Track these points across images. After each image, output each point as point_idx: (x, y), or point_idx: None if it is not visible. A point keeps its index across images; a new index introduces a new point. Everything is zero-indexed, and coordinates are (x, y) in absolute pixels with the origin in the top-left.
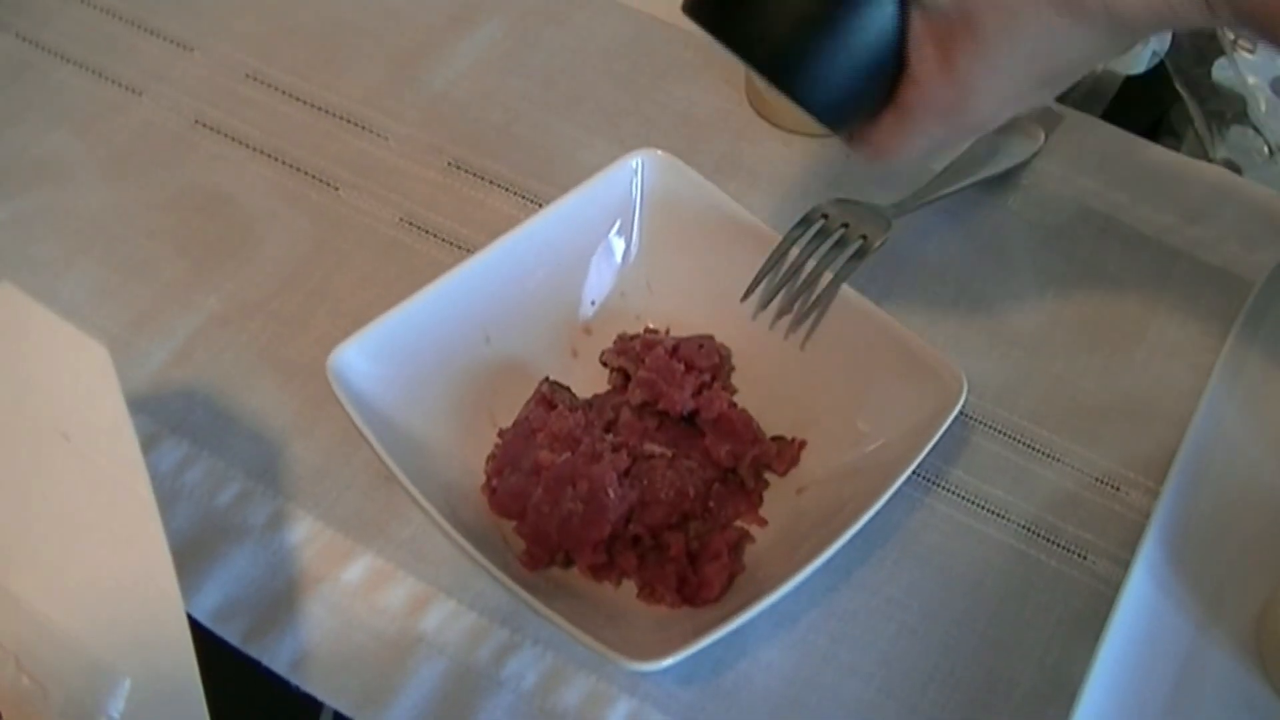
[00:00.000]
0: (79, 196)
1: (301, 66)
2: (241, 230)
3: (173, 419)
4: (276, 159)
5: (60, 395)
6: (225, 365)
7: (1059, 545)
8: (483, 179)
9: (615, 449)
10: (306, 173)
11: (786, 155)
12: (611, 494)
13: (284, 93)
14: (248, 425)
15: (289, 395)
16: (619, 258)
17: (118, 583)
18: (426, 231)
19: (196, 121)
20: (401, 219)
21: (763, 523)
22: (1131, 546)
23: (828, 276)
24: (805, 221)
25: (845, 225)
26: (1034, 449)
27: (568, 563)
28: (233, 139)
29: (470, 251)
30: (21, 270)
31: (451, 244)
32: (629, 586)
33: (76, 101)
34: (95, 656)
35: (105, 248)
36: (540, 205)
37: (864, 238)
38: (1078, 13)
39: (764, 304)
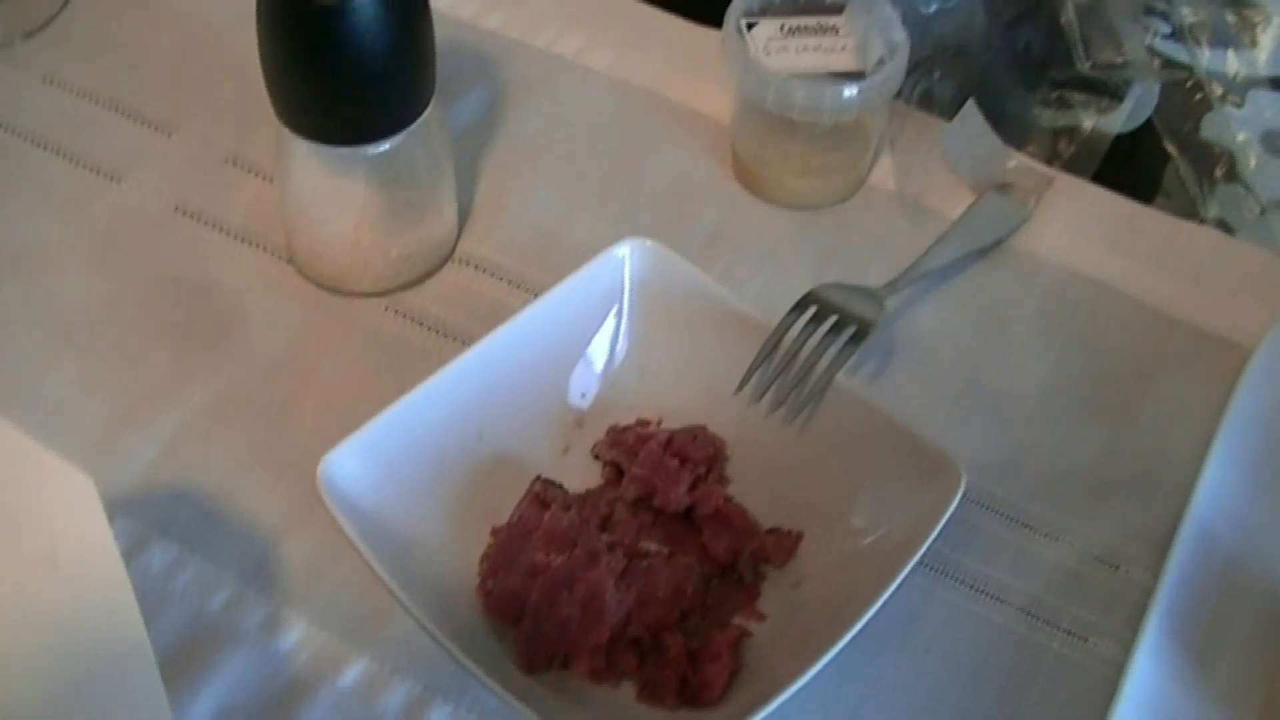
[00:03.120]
0: (59, 287)
1: None
2: (225, 319)
3: (161, 521)
4: (259, 245)
5: (45, 525)
6: (213, 462)
7: (1060, 629)
8: (468, 264)
9: (611, 548)
10: (289, 260)
11: (774, 229)
12: (609, 597)
13: (265, 177)
14: (238, 525)
15: (279, 492)
16: (609, 348)
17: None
18: (413, 320)
19: (177, 208)
20: (387, 307)
21: (761, 617)
22: (1135, 626)
23: (822, 365)
24: (798, 309)
25: (839, 311)
26: (1032, 528)
27: (565, 665)
28: (214, 225)
29: (458, 339)
30: (4, 367)
31: (439, 332)
32: (628, 689)
33: (54, 188)
34: None
35: (88, 341)
36: (527, 290)
37: (858, 323)
38: None
39: (758, 395)
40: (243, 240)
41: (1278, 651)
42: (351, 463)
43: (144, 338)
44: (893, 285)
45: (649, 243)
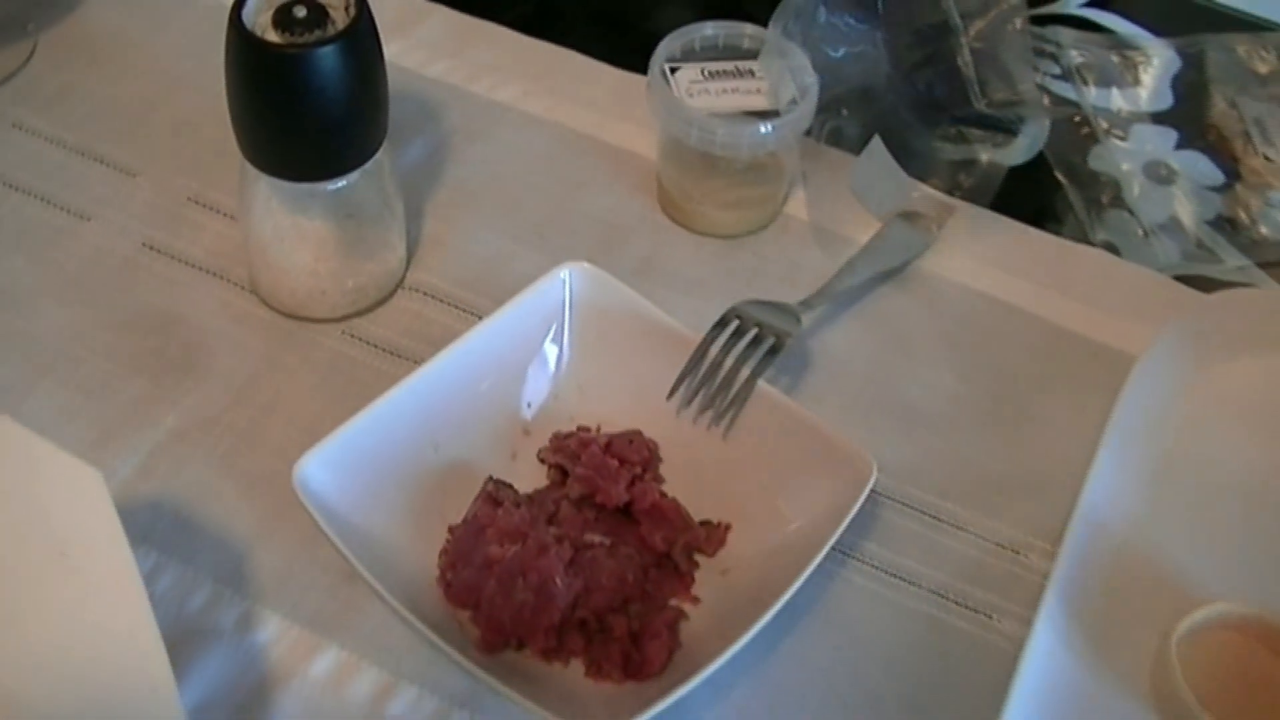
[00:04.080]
0: (36, 321)
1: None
2: (194, 346)
3: (141, 530)
4: (223, 277)
5: (57, 517)
6: (187, 478)
7: (968, 608)
8: (417, 291)
9: (559, 540)
10: (252, 292)
11: (699, 257)
12: (559, 583)
13: (225, 215)
14: (212, 534)
15: (250, 504)
16: (552, 364)
17: (122, 683)
18: (369, 344)
19: (144, 244)
20: (344, 332)
21: (695, 601)
22: (1034, 606)
23: (745, 373)
24: (722, 323)
25: (759, 325)
26: (941, 521)
27: (520, 646)
28: (180, 260)
29: (411, 360)
30: None
31: (393, 354)
32: (576, 666)
33: (27, 228)
34: None
35: (65, 370)
36: (474, 315)
37: (776, 335)
38: None
39: (687, 401)
40: (208, 273)
41: (1164, 616)
42: (320, 470)
43: (118, 365)
44: (807, 303)
45: (587, 266)
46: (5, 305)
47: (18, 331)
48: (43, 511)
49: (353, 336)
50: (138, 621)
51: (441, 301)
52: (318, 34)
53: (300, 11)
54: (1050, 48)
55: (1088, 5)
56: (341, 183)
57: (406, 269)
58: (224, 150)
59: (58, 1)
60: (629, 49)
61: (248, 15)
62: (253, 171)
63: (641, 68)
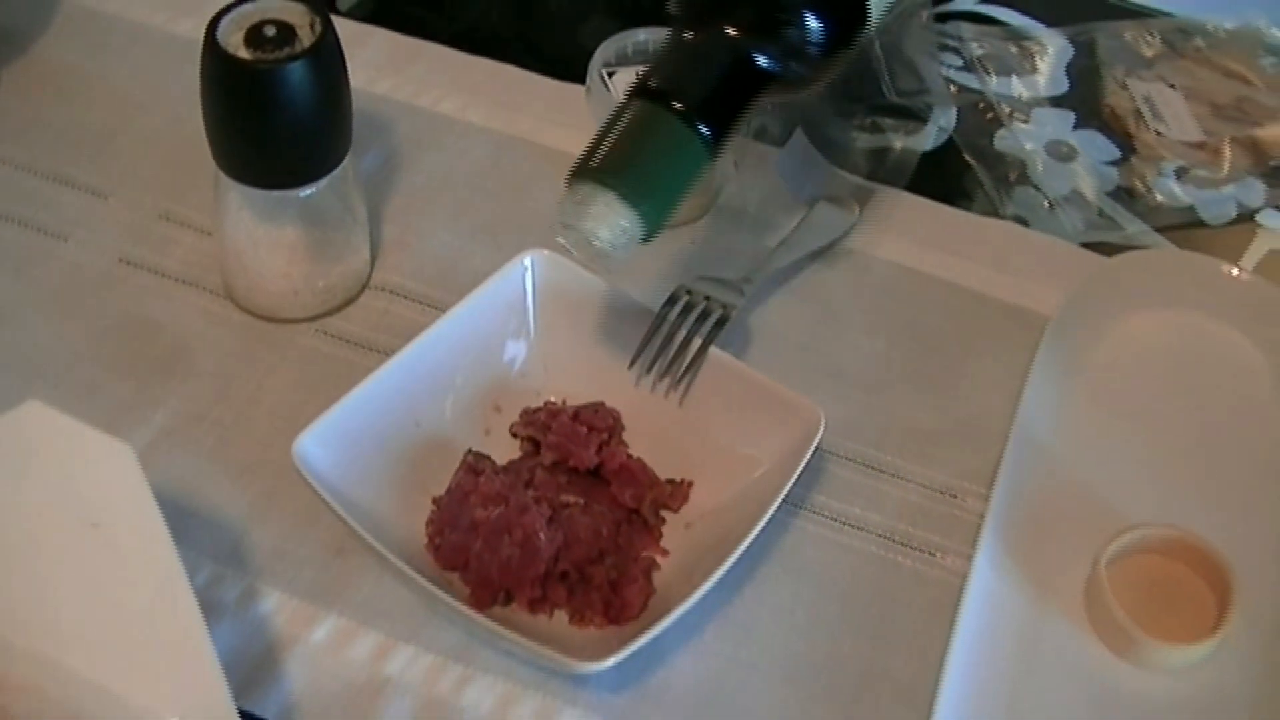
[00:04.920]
0: (23, 333)
1: (208, 205)
2: (176, 350)
3: None
4: (198, 286)
5: (88, 490)
6: (181, 470)
7: (912, 548)
8: (383, 290)
9: (537, 501)
10: (226, 297)
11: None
12: (542, 537)
13: (195, 229)
14: (209, 518)
15: (242, 489)
16: (518, 344)
17: (157, 639)
18: (341, 339)
19: (120, 260)
20: (317, 330)
21: (664, 553)
22: (972, 543)
23: (697, 342)
24: (673, 299)
25: (707, 298)
26: (881, 471)
27: (507, 601)
28: (155, 273)
29: (381, 353)
30: None
31: (364, 348)
32: (560, 617)
33: (7, 250)
34: (144, 706)
35: (56, 376)
36: (438, 309)
37: (723, 307)
38: None
39: (645, 370)
40: (183, 283)
41: (1092, 543)
42: (316, 446)
43: (105, 371)
44: (747, 279)
45: (546, 253)
46: None
47: (6, 343)
48: (74, 485)
49: (325, 334)
50: (174, 585)
51: (405, 298)
52: (286, 50)
53: (270, 31)
54: (953, 42)
55: (985, 1)
56: (310, 190)
57: (371, 269)
58: (188, 169)
59: (17, 39)
60: (557, 60)
61: (221, 34)
62: (226, 182)
63: (570, 77)
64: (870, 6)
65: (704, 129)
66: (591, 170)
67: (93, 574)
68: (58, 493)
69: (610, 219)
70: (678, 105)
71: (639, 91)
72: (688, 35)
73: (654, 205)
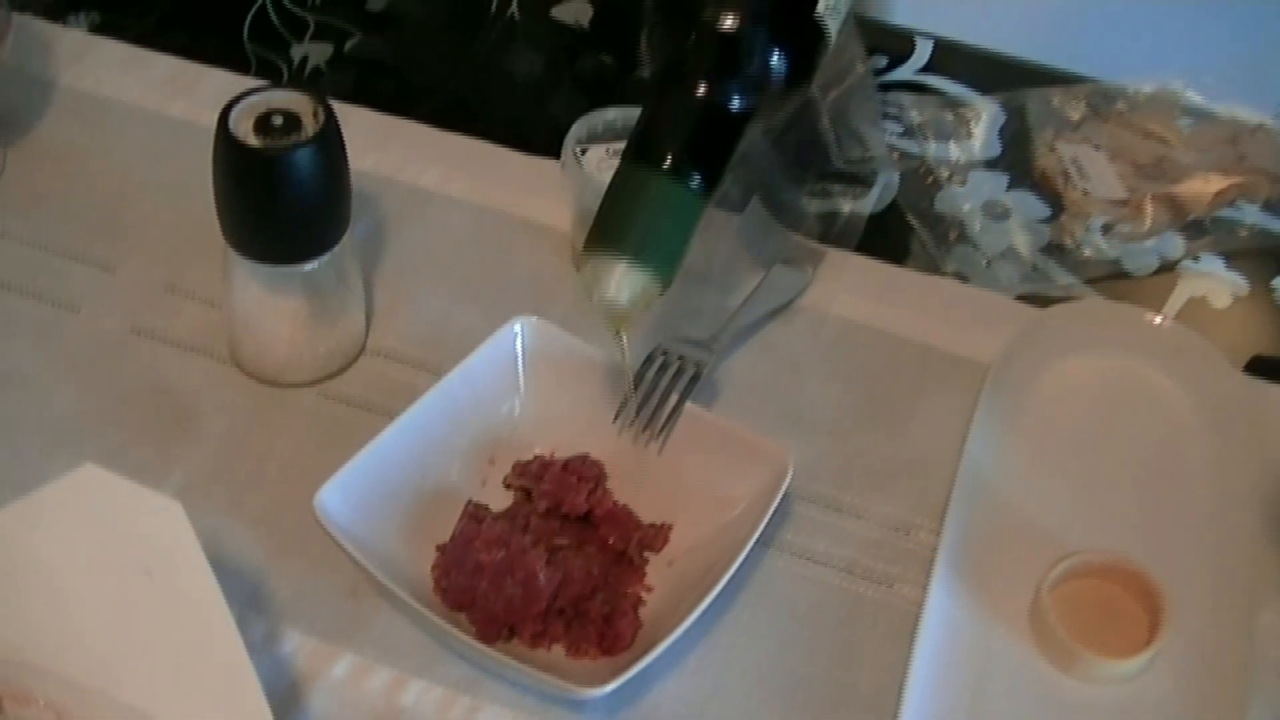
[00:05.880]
0: (45, 399)
1: (211, 277)
2: (189, 414)
3: None
4: (205, 353)
5: (142, 543)
6: (201, 524)
7: (872, 580)
8: (378, 354)
9: (534, 544)
10: (233, 363)
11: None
12: (542, 577)
13: (200, 300)
14: (230, 567)
15: (259, 540)
16: (511, 402)
17: (207, 674)
18: (341, 401)
19: (131, 329)
20: (318, 393)
21: (650, 589)
22: (927, 573)
23: (673, 398)
24: (650, 359)
25: (681, 358)
26: (842, 510)
27: (510, 636)
28: (165, 341)
29: (380, 413)
30: (11, 465)
31: (363, 409)
32: (558, 650)
33: (24, 321)
34: None
35: (78, 440)
36: (428, 370)
37: (696, 365)
38: None
39: (628, 424)
40: (191, 350)
41: (1035, 570)
42: (333, 499)
43: (124, 435)
44: (714, 338)
45: (534, 319)
46: (14, 388)
47: (29, 410)
48: (128, 539)
49: (326, 396)
50: (221, 625)
51: (399, 361)
52: (293, 138)
53: (277, 120)
54: (894, 110)
55: (923, 71)
56: (314, 264)
57: (367, 334)
58: (191, 244)
59: (20, 120)
60: (529, 135)
61: (233, 122)
62: (235, 257)
63: (540, 151)
64: (828, 29)
65: (693, 179)
66: (602, 241)
67: (147, 617)
68: (114, 545)
69: (628, 284)
70: (665, 163)
71: (629, 157)
72: (664, 94)
73: (663, 261)
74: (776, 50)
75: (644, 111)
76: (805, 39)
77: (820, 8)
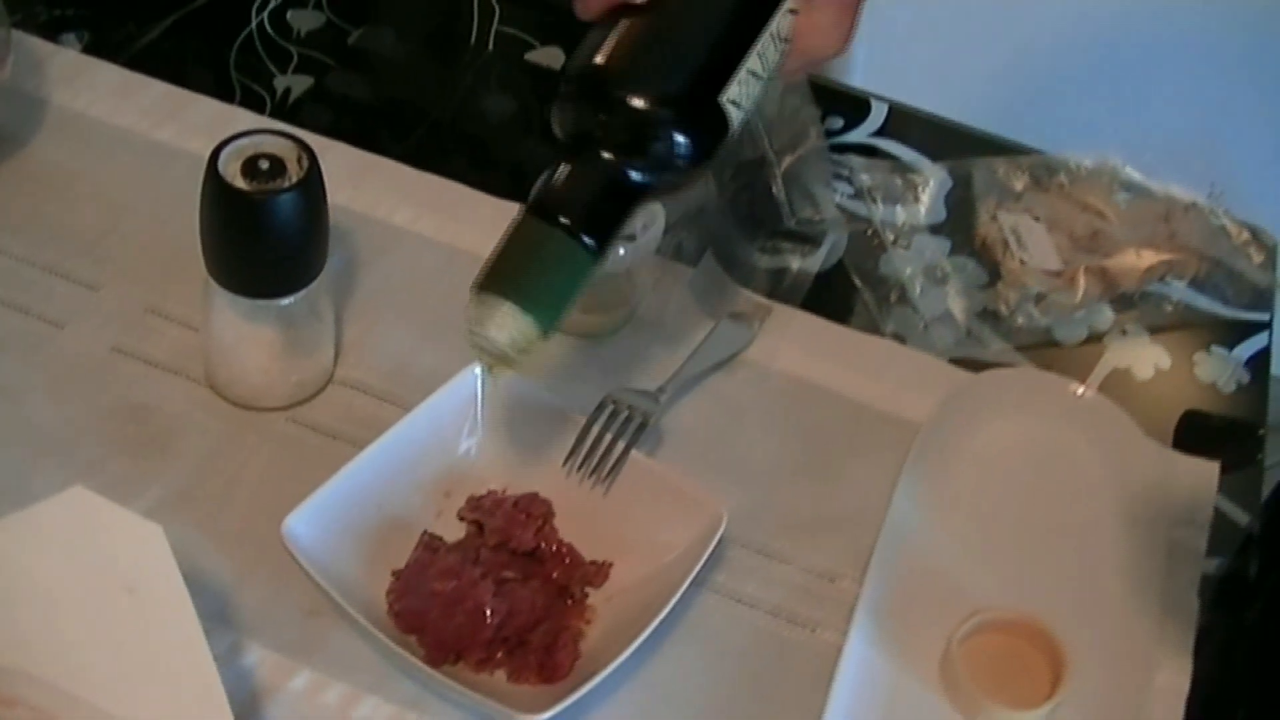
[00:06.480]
0: (29, 413)
1: (190, 302)
2: (165, 433)
3: None
4: (183, 375)
5: (124, 562)
6: (172, 538)
7: (797, 624)
8: (345, 384)
9: (483, 577)
10: (209, 386)
11: (569, 353)
12: (489, 609)
13: (179, 323)
14: (199, 581)
15: (227, 557)
16: (469, 440)
17: (178, 683)
18: (310, 427)
19: (113, 348)
20: (289, 419)
21: (589, 623)
22: (847, 620)
23: (620, 445)
24: (600, 407)
25: (629, 407)
26: (771, 556)
27: (456, 660)
28: (145, 361)
29: (345, 440)
30: None
31: (330, 436)
32: (500, 675)
33: (10, 336)
34: None
35: (61, 454)
36: (392, 402)
37: (643, 414)
38: None
39: (576, 468)
40: (170, 371)
41: (948, 623)
42: (300, 525)
43: (104, 449)
44: (662, 389)
45: None
46: (3, 399)
47: (14, 423)
48: (112, 559)
49: (296, 422)
50: (193, 639)
51: (365, 392)
52: (278, 182)
53: (264, 164)
54: (845, 172)
55: (876, 134)
56: (290, 300)
57: (335, 365)
58: (172, 268)
59: (12, 138)
60: (498, 178)
61: (222, 164)
62: (215, 288)
63: (507, 193)
64: (731, 119)
65: (588, 240)
66: (492, 283)
67: (127, 631)
68: (98, 563)
69: (510, 326)
70: (564, 221)
71: (531, 209)
72: (571, 159)
73: (547, 311)
74: (681, 133)
75: (550, 170)
76: (709, 125)
77: (724, 96)
